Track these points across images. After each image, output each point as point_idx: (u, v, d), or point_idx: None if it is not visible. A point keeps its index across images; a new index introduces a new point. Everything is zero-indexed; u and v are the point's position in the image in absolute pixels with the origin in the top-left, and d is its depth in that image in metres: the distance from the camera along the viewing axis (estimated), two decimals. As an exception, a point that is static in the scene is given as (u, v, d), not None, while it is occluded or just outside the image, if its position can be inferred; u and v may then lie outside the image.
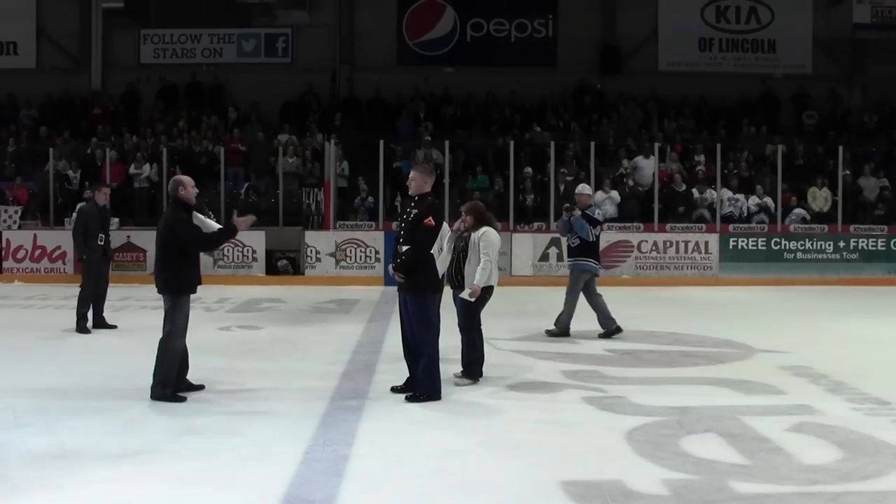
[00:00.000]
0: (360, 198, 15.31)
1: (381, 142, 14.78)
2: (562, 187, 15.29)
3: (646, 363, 6.89)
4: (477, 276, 5.82)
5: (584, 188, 8.13)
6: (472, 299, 5.82)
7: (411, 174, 5.48)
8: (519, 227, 15.01)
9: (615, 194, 15.23)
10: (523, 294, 12.48)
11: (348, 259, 14.13)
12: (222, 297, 11.43)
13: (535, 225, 15.04)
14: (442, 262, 6.61)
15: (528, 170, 15.67)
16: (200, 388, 5.53)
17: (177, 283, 5.24)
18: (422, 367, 5.28)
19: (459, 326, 6.03)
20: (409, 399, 5.28)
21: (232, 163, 15.83)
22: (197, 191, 5.41)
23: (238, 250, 14.17)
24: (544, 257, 14.31)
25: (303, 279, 13.84)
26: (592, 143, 15.00)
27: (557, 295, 12.70)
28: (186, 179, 5.40)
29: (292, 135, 16.72)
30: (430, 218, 5.23)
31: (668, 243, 14.45)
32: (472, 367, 5.98)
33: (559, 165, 15.68)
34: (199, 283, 5.34)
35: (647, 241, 14.44)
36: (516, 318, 9.77)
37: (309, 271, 14.14)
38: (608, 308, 8.12)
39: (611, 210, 15.14)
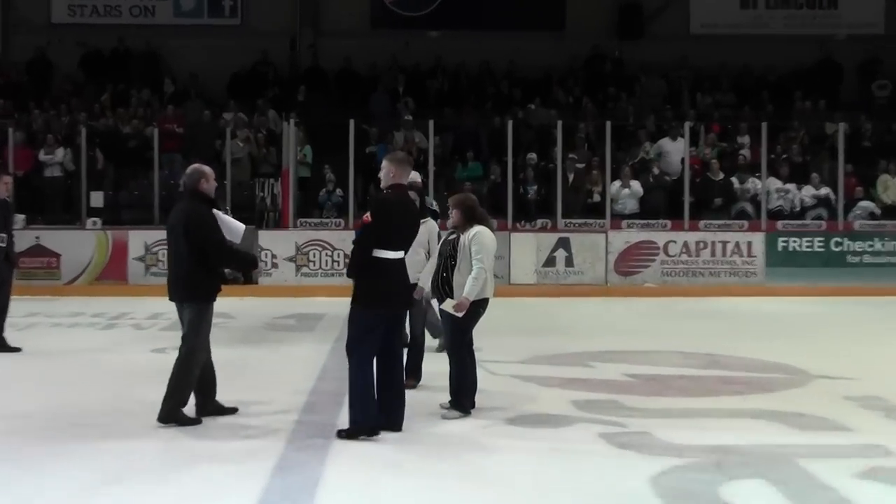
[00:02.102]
0: (326, 190, 15.32)
1: (352, 122, 14.78)
2: (571, 176, 15.36)
3: (675, 391, 6.90)
4: (467, 286, 5.81)
5: (415, 175, 8.02)
6: (460, 314, 5.80)
7: (382, 164, 5.54)
8: (519, 225, 15.06)
9: (636, 185, 15.31)
10: (524, 307, 12.52)
11: (311, 264, 14.13)
12: (155, 313, 11.39)
13: (539, 223, 15.09)
14: (427, 271, 6.62)
15: (531, 156, 15.74)
16: (233, 411, 5.80)
17: (201, 289, 5.51)
18: (349, 394, 5.32)
19: (446, 347, 6.01)
20: (340, 435, 5.29)
21: (168, 147, 15.81)
22: (216, 184, 5.83)
23: (176, 255, 14.13)
24: (550, 262, 14.37)
25: (256, 289, 13.83)
26: (608, 123, 15.09)
27: (566, 307, 12.86)
28: (209, 171, 5.71)
29: (242, 113, 16.70)
30: (369, 213, 5.34)
31: (701, 244, 14.53)
32: (462, 397, 5.98)
33: (568, 150, 15.75)
34: (219, 289, 5.63)
35: (675, 242, 14.51)
36: (516, 335, 9.78)
37: (264, 279, 14.13)
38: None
39: (631, 205, 15.23)
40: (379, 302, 5.32)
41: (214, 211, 5.68)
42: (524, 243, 14.42)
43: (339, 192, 15.14)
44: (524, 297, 13.37)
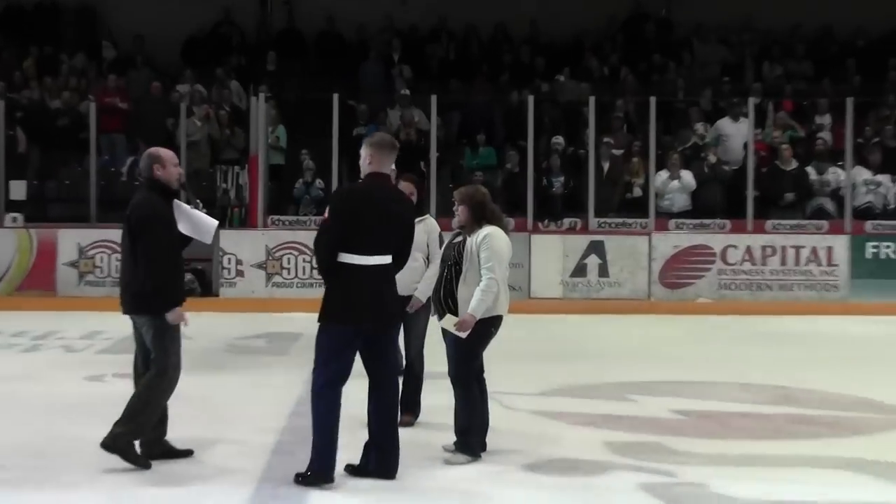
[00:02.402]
0: (304, 181, 15.37)
1: (336, 97, 14.84)
2: (606, 165, 15.40)
3: (737, 433, 6.91)
4: (474, 300, 5.82)
5: None
6: (464, 334, 5.82)
7: (361, 151, 5.58)
8: (542, 225, 15.11)
9: (687, 176, 15.33)
10: (547, 326, 12.56)
11: (285, 272, 14.17)
12: (92, 331, 11.44)
13: (567, 222, 15.13)
14: (427, 280, 6.64)
15: (557, 140, 15.79)
16: (188, 453, 5.92)
17: (160, 299, 5.58)
18: (314, 435, 5.37)
19: (450, 376, 6.02)
20: (297, 479, 5.36)
21: (108, 127, 15.87)
22: (180, 171, 5.88)
23: (116, 258, 14.18)
24: (579, 271, 14.41)
25: (216, 303, 13.89)
26: (653, 100, 15.13)
27: (599, 327, 12.87)
28: (166, 154, 5.79)
29: (200, 85, 16.76)
30: (327, 211, 5.45)
31: (769, 250, 14.54)
32: (470, 437, 5.98)
33: (602, 133, 15.80)
34: (184, 299, 5.73)
35: (736, 247, 14.52)
36: (537, 361, 9.80)
37: (226, 290, 14.20)
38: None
39: (680, 200, 15.25)
40: (342, 317, 5.35)
41: (178, 204, 5.77)
42: (548, 248, 14.45)
43: (319, 183, 15.17)
44: (547, 315, 13.39)
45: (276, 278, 14.19)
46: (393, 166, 5.67)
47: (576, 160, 15.82)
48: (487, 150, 15.95)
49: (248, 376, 8.92)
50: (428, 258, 6.81)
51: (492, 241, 5.90)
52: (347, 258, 5.33)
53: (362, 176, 5.59)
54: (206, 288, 14.26)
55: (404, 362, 6.96)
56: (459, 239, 6.04)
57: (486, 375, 6.14)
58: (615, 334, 12.04)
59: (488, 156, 15.91)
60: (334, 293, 5.38)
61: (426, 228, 6.83)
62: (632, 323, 12.96)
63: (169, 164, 5.74)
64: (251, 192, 15.00)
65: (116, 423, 5.62)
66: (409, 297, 6.64)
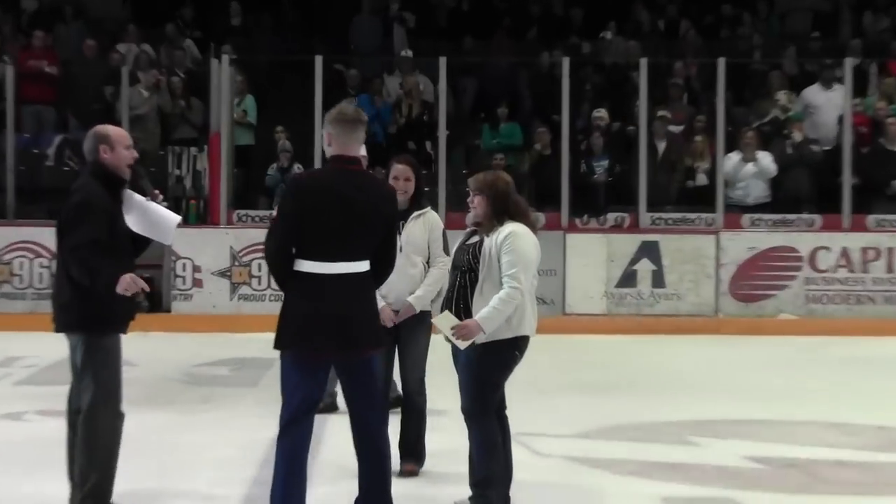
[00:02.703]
0: (279, 166, 15.35)
1: (319, 60, 14.87)
2: (662, 145, 15.39)
3: (829, 486, 6.89)
4: (487, 308, 5.83)
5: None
6: (462, 344, 5.82)
7: (325, 131, 5.58)
8: (580, 221, 15.10)
9: (765, 160, 15.29)
10: (587, 349, 12.56)
11: (255, 281, 14.22)
12: (8, 357, 11.49)
13: (612, 218, 15.11)
14: (428, 286, 6.69)
15: (600, 113, 15.75)
16: None
17: (96, 314, 5.64)
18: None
19: (463, 412, 6.03)
20: None
21: (30, 97, 15.93)
22: (134, 154, 5.87)
23: (41, 264, 14.19)
24: (628, 279, 14.40)
25: (168, 321, 13.94)
26: (721, 62, 15.10)
27: (652, 351, 12.77)
28: (116, 134, 5.86)
29: (147, 45, 16.82)
30: (276, 209, 5.59)
31: (871, 252, 14.53)
32: (489, 490, 5.97)
33: (657, 105, 15.80)
34: (133, 315, 5.82)
35: (828, 250, 14.52)
36: (573, 394, 9.80)
37: (180, 305, 14.27)
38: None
39: (757, 190, 15.21)
40: (296, 340, 5.37)
41: (129, 195, 5.79)
42: (587, 250, 14.45)
43: (298, 168, 15.17)
44: (586, 335, 13.38)
45: (244, 289, 14.20)
46: (364, 151, 5.68)
47: (623, 139, 15.80)
48: (511, 127, 15.95)
49: (209, 413, 8.92)
50: (429, 262, 6.84)
51: (516, 241, 5.90)
52: (305, 266, 5.35)
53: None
54: (155, 302, 14.26)
55: (401, 394, 6.98)
56: (475, 239, 6.05)
57: (508, 412, 6.13)
58: (672, 360, 12.03)
59: (512, 134, 15.92)
60: (288, 309, 5.41)
61: (426, 225, 6.86)
62: (694, 346, 12.95)
63: (119, 145, 5.78)
64: (211, 181, 15.01)
65: (80, 493, 5.64)
66: (397, 313, 6.69)
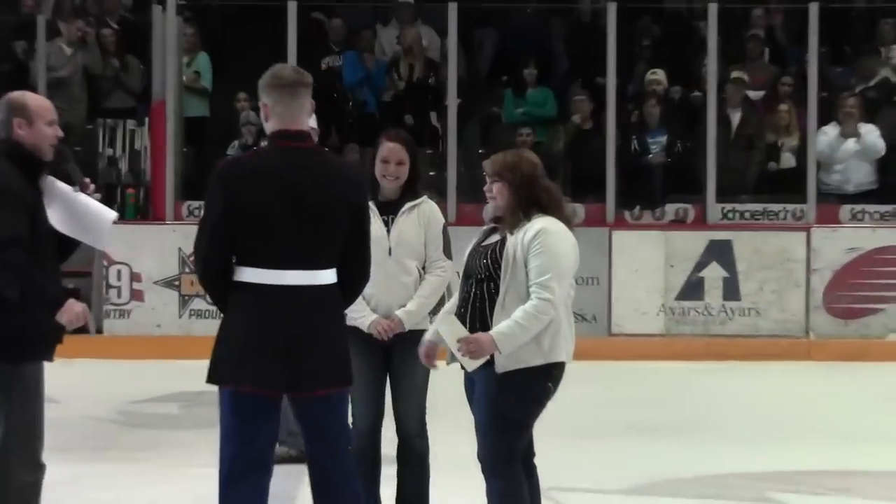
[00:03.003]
0: (242, 143, 15.29)
1: (294, 6, 14.84)
2: (736, 117, 15.34)
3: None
4: (506, 323, 5.83)
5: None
6: (471, 365, 5.82)
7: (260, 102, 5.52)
8: (630, 214, 15.07)
9: (871, 135, 15.25)
10: (639, 380, 12.57)
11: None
12: None
13: (671, 210, 15.05)
14: (423, 300, 6.63)
15: (656, 75, 15.68)
16: None
17: (7, 335, 5.66)
18: None
19: (480, 459, 6.04)
20: None
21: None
22: (58, 131, 5.85)
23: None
24: (692, 290, 14.37)
25: (99, 344, 13.94)
26: (814, 7, 15.04)
27: (724, 381, 12.69)
28: (37, 104, 5.86)
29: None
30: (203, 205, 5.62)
31: None
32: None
33: (731, 63, 15.77)
34: (60, 337, 5.91)
35: (955, 251, 14.51)
36: (620, 437, 9.81)
37: (115, 324, 14.28)
38: None
39: (860, 173, 15.15)
40: (235, 373, 5.37)
41: (51, 183, 5.79)
42: (640, 252, 14.44)
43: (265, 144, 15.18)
44: (638, 362, 13.37)
45: (197, 303, 14.19)
46: (314, 123, 5.60)
47: (686, 108, 15.77)
48: (540, 94, 15.92)
49: (153, 463, 8.91)
50: (424, 267, 6.79)
51: (548, 240, 5.89)
52: (247, 274, 5.34)
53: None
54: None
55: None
56: (495, 239, 6.04)
57: (538, 460, 6.12)
58: (750, 394, 11.98)
59: (542, 101, 15.89)
60: (225, 332, 5.40)
61: (422, 219, 6.81)
62: (778, 375, 12.91)
63: (39, 119, 5.75)
64: (154, 163, 15.01)
65: None
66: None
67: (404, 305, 6.65)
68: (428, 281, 6.72)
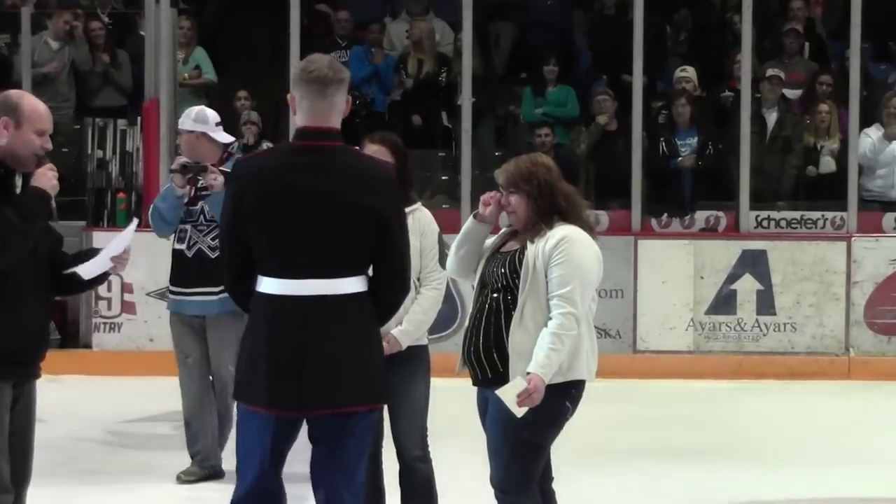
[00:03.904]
0: (242, 144, 15.16)
1: (295, -1, 14.90)
2: (772, 117, 15.29)
3: None
4: (541, 352, 5.84)
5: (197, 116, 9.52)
6: (520, 411, 5.85)
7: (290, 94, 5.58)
8: (657, 222, 15.06)
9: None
10: (666, 399, 12.56)
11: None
12: None
13: (702, 217, 15.03)
14: (419, 315, 6.70)
15: (686, 72, 15.67)
16: None
17: None
18: None
19: (494, 485, 6.06)
20: None
21: None
22: (47, 144, 5.82)
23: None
24: (723, 303, 14.31)
25: (87, 359, 13.94)
26: (856, -1, 15.05)
27: (758, 403, 12.61)
28: (31, 107, 5.79)
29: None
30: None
31: None
32: None
33: (766, 57, 15.70)
34: (41, 350, 5.92)
35: None
36: (646, 461, 9.78)
37: (104, 338, 14.26)
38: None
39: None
40: (247, 392, 5.45)
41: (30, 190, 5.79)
42: (667, 263, 14.42)
43: (267, 147, 15.14)
44: (666, 381, 13.36)
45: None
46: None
47: (719, 108, 15.74)
48: (562, 92, 15.88)
49: (146, 489, 8.93)
50: (417, 281, 6.81)
51: (572, 249, 5.93)
52: (263, 284, 5.40)
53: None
54: (70, 335, 14.28)
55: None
56: (512, 247, 6.08)
57: (556, 485, 6.16)
58: (786, 416, 11.97)
59: (563, 100, 15.86)
60: (242, 346, 5.51)
61: (416, 228, 6.84)
62: (816, 396, 12.87)
63: (28, 125, 5.72)
64: (147, 166, 14.97)
65: None
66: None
67: (400, 322, 6.64)
68: (424, 296, 6.77)
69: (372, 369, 5.48)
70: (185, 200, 9.35)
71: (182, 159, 9.39)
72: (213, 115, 9.54)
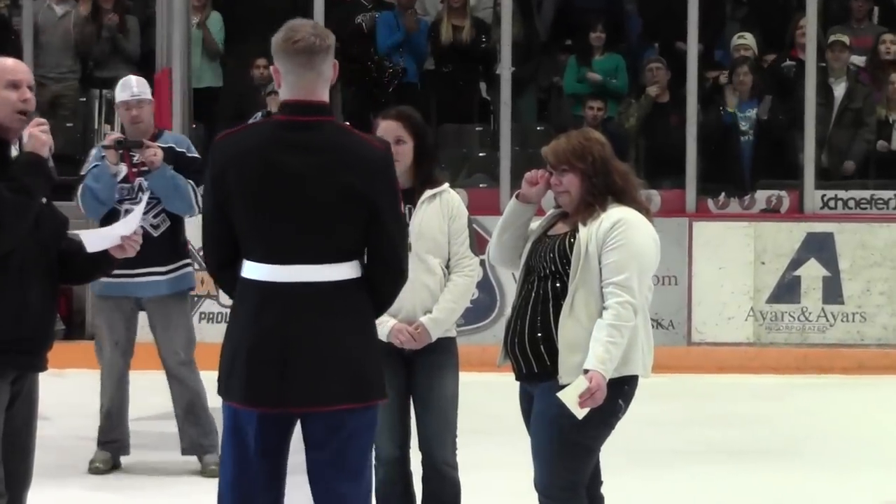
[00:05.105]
0: (265, 114, 15.22)
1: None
2: (839, 89, 15.27)
3: None
4: (599, 346, 5.86)
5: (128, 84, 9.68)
6: (581, 413, 5.86)
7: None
8: (714, 202, 15.07)
9: None
10: (725, 394, 12.58)
11: (223, 295, 14.15)
12: None
13: (763, 197, 15.03)
14: (449, 304, 6.74)
15: (744, 39, 15.64)
16: None
17: None
18: None
19: (538, 489, 6.09)
20: None
21: None
22: (26, 95, 5.78)
23: None
24: (787, 291, 14.37)
25: (86, 351, 13.89)
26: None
27: (827, 400, 12.60)
28: (12, 69, 5.79)
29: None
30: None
31: None
32: None
33: (832, 23, 15.71)
34: (46, 340, 5.92)
35: None
36: (703, 461, 9.83)
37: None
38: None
39: None
40: (227, 387, 5.45)
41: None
42: (726, 247, 14.46)
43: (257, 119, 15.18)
44: (724, 375, 13.40)
45: (208, 305, 14.29)
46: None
47: (780, 78, 15.74)
48: (610, 60, 15.92)
49: (157, 491, 9.01)
50: (447, 267, 6.86)
51: (628, 233, 5.96)
52: (247, 269, 5.41)
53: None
54: (75, 325, 14.33)
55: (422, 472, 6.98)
56: (561, 230, 6.11)
57: (606, 489, 6.17)
58: (856, 414, 11.93)
59: (612, 69, 15.90)
60: (225, 337, 5.50)
61: (445, 210, 6.87)
62: (886, 390, 12.83)
63: (12, 92, 5.72)
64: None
65: None
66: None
67: (429, 311, 6.68)
68: (455, 283, 6.77)
69: (364, 363, 5.45)
70: (120, 179, 9.39)
71: (116, 135, 9.41)
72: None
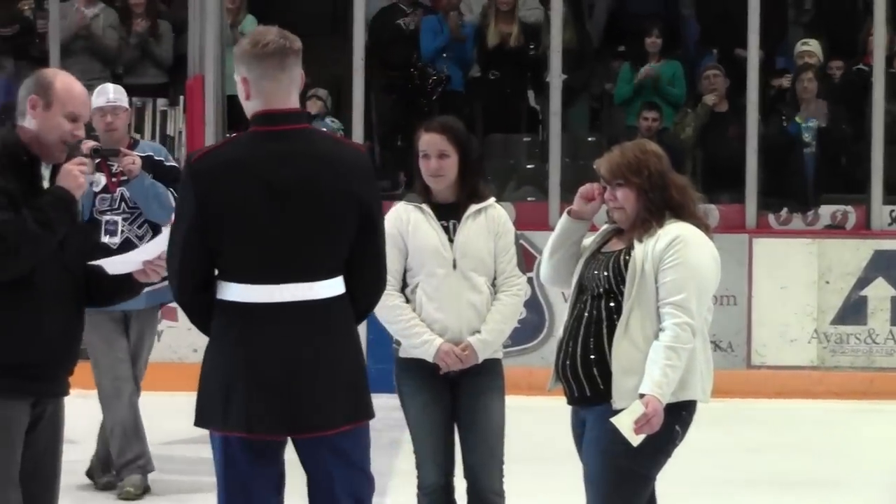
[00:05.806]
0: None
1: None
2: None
3: None
4: (656, 368, 5.87)
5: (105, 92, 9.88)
6: (637, 439, 5.85)
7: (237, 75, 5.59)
8: (775, 217, 15.01)
9: None
10: (788, 421, 12.57)
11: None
12: None
13: (828, 212, 14.98)
14: (498, 324, 6.74)
15: (808, 46, 15.57)
16: None
17: None
18: None
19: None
20: None
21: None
22: (78, 132, 5.82)
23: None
24: (853, 311, 14.32)
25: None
26: None
27: (892, 425, 12.57)
28: (64, 82, 5.81)
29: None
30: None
31: None
32: None
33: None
34: (66, 364, 5.90)
35: None
36: (766, 491, 9.82)
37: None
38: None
39: None
40: (215, 416, 5.47)
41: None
42: (788, 265, 14.42)
43: (332, 123, 15.13)
44: (787, 401, 13.37)
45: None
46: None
47: (847, 88, 15.70)
48: (666, 67, 15.91)
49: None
50: (493, 284, 6.86)
51: (686, 250, 5.98)
52: (229, 291, 5.40)
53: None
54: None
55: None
56: (615, 247, 6.12)
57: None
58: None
59: (668, 77, 15.88)
60: (208, 365, 5.52)
61: (491, 226, 6.88)
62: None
63: (58, 106, 5.73)
64: (190, 151, 15.08)
65: None
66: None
67: (475, 331, 6.68)
68: (503, 302, 6.78)
69: (358, 383, 5.53)
70: (98, 189, 9.46)
71: (91, 143, 9.44)
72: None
